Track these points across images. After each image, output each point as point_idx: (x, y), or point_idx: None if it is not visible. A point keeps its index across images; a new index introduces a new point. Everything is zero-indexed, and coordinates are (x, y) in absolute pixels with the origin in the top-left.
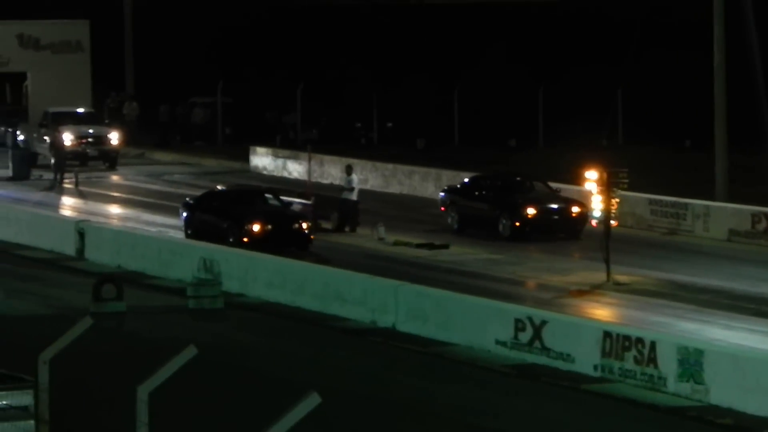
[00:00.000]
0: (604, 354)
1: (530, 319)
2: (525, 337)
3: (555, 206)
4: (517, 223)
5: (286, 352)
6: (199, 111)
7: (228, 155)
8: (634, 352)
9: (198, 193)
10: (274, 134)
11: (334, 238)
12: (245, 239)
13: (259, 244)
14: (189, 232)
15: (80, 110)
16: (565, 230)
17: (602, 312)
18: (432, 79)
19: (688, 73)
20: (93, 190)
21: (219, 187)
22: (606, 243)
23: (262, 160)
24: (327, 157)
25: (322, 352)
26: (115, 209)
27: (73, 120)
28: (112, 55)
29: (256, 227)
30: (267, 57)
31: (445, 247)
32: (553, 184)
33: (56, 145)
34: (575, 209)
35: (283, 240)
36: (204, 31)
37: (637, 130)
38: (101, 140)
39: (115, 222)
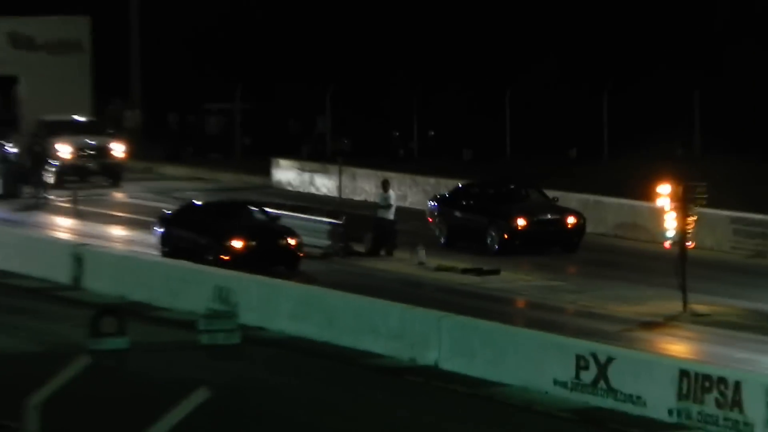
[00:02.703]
0: (681, 396)
1: (594, 355)
2: (588, 376)
3: (549, 217)
4: (506, 236)
5: (311, 394)
6: (213, 119)
7: (247, 169)
8: (715, 393)
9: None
10: (300, 145)
11: (368, 263)
12: (226, 257)
13: (242, 262)
14: (165, 249)
15: (80, 118)
16: (560, 243)
17: (678, 347)
18: (481, 82)
19: None
20: (93, 209)
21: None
22: (682, 268)
23: (285, 174)
24: (360, 171)
25: (354, 394)
26: (117, 231)
27: (72, 129)
28: (115, 57)
29: (238, 244)
30: (292, 57)
31: (496, 272)
32: (550, 193)
33: (35, 155)
34: (571, 220)
35: (269, 258)
36: (220, 30)
37: (717, 138)
38: (103, 152)
39: (117, 246)
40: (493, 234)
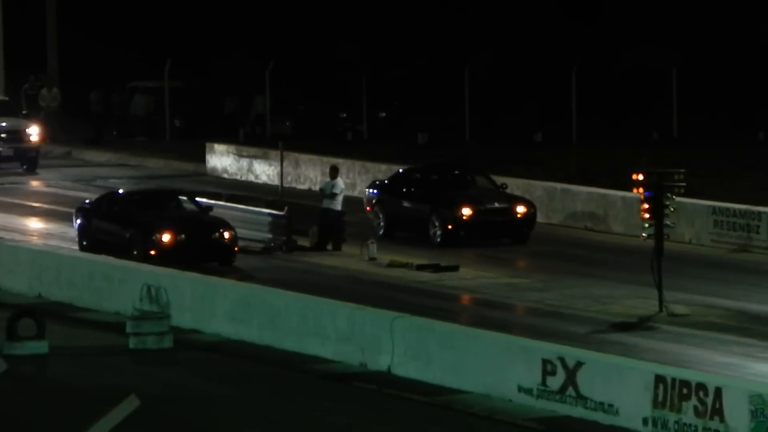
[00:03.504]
0: (657, 404)
1: (562, 360)
2: (556, 382)
3: (496, 206)
4: (450, 226)
5: (251, 404)
6: (140, 98)
7: (178, 154)
8: (694, 401)
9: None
10: (237, 127)
11: (314, 258)
12: (153, 252)
13: (170, 258)
14: (84, 243)
15: None
16: (509, 234)
17: (654, 351)
18: (438, 57)
19: (762, 50)
20: (6, 198)
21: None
22: (658, 263)
23: (221, 160)
24: (304, 156)
25: (298, 403)
26: (34, 223)
27: None
28: (30, 28)
29: (166, 237)
30: (228, 28)
31: (455, 268)
32: (499, 179)
33: None
34: (521, 209)
35: (201, 253)
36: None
37: (697, 120)
38: (17, 136)
39: (34, 239)
40: (436, 224)
